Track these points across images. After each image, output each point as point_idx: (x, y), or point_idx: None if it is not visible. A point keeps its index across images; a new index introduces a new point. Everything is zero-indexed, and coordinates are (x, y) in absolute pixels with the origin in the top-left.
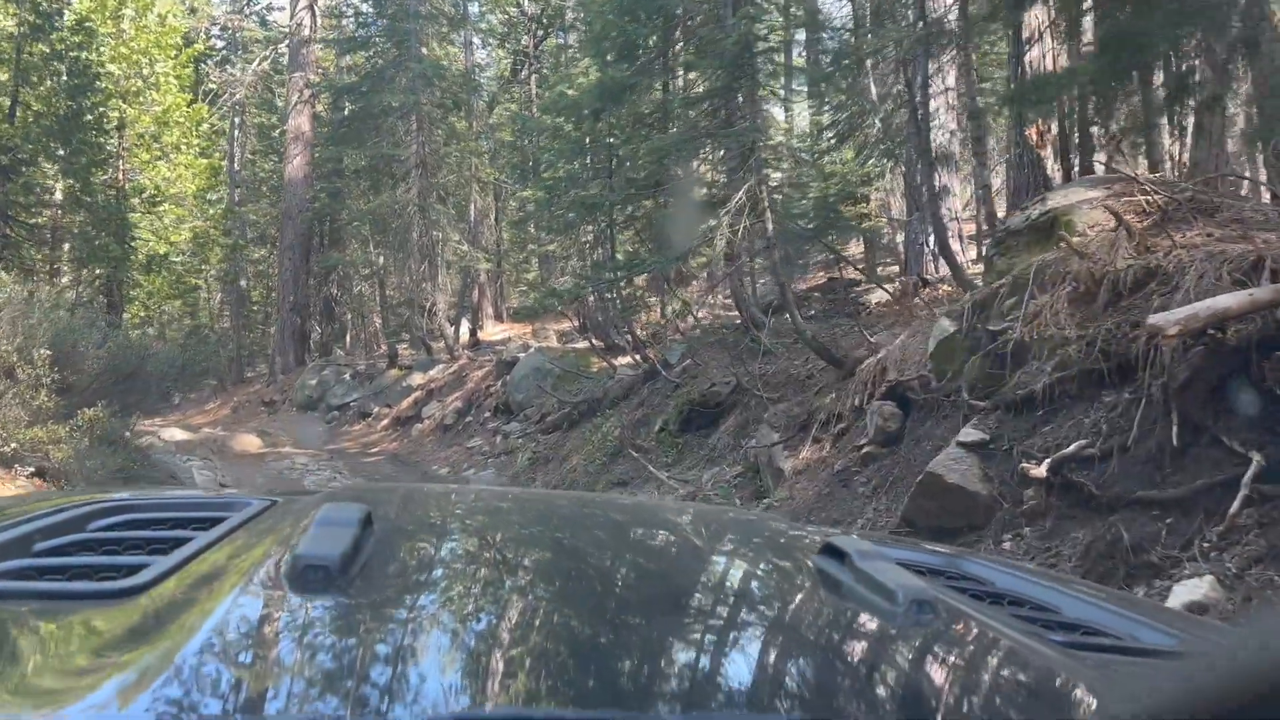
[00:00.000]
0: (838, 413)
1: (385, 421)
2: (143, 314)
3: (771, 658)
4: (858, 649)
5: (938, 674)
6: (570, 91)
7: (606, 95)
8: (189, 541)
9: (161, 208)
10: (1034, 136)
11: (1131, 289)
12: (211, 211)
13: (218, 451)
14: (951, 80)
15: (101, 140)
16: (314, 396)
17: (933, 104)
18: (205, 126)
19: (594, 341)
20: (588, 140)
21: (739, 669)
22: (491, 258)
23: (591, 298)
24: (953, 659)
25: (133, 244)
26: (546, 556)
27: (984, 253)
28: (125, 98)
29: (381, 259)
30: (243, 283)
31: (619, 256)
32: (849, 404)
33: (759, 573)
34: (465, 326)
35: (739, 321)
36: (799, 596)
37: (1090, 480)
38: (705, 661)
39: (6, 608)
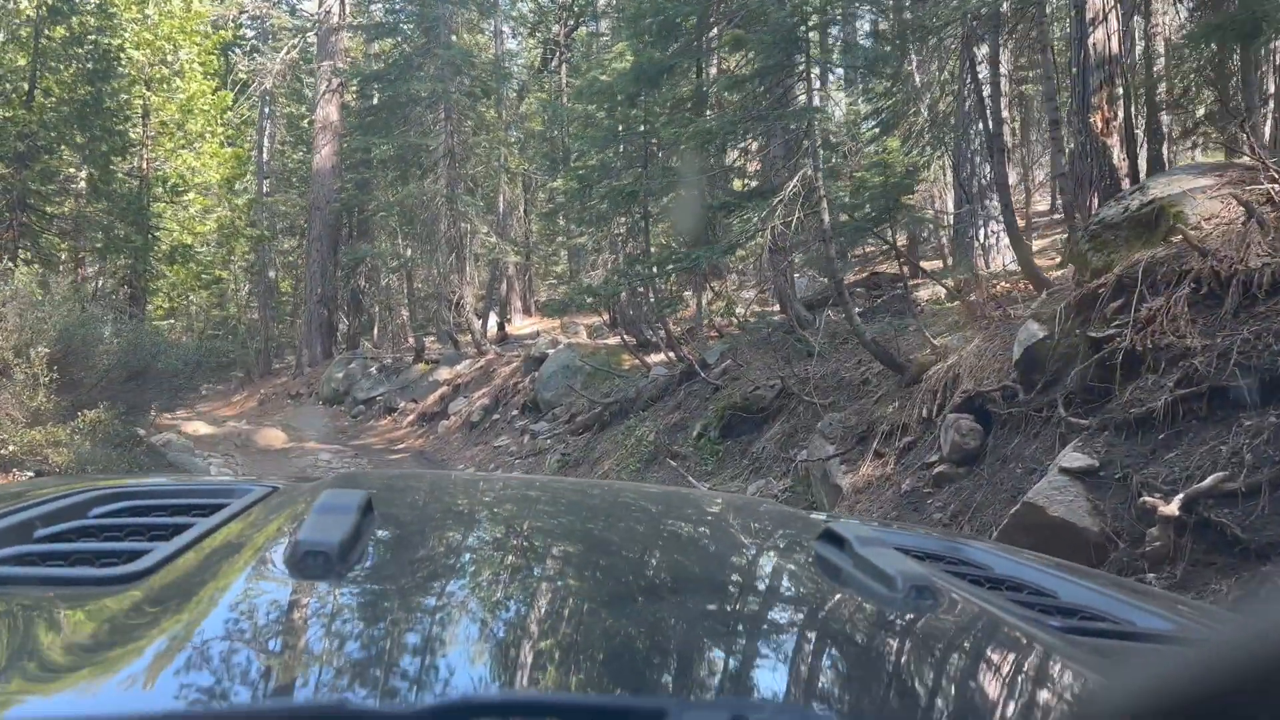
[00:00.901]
0: (902, 424)
1: (411, 417)
2: (167, 305)
3: (770, 643)
4: (857, 634)
5: (936, 659)
6: (604, 76)
7: (644, 79)
8: (190, 528)
9: (186, 197)
10: (1099, 124)
11: (1269, 291)
12: (238, 201)
13: (241, 447)
14: (1004, 65)
15: (122, 128)
16: (340, 390)
17: (986, 90)
18: (231, 115)
19: (625, 338)
20: (620, 128)
21: (737, 654)
22: (520, 250)
23: (624, 293)
24: (951, 644)
25: (155, 234)
26: (543, 540)
27: (1073, 247)
28: (149, 84)
29: (409, 251)
30: (271, 274)
31: (653, 250)
32: (916, 415)
33: (758, 558)
34: (493, 320)
35: (780, 318)
36: (798, 582)
37: (1234, 521)
38: (702, 647)
39: (8, 593)
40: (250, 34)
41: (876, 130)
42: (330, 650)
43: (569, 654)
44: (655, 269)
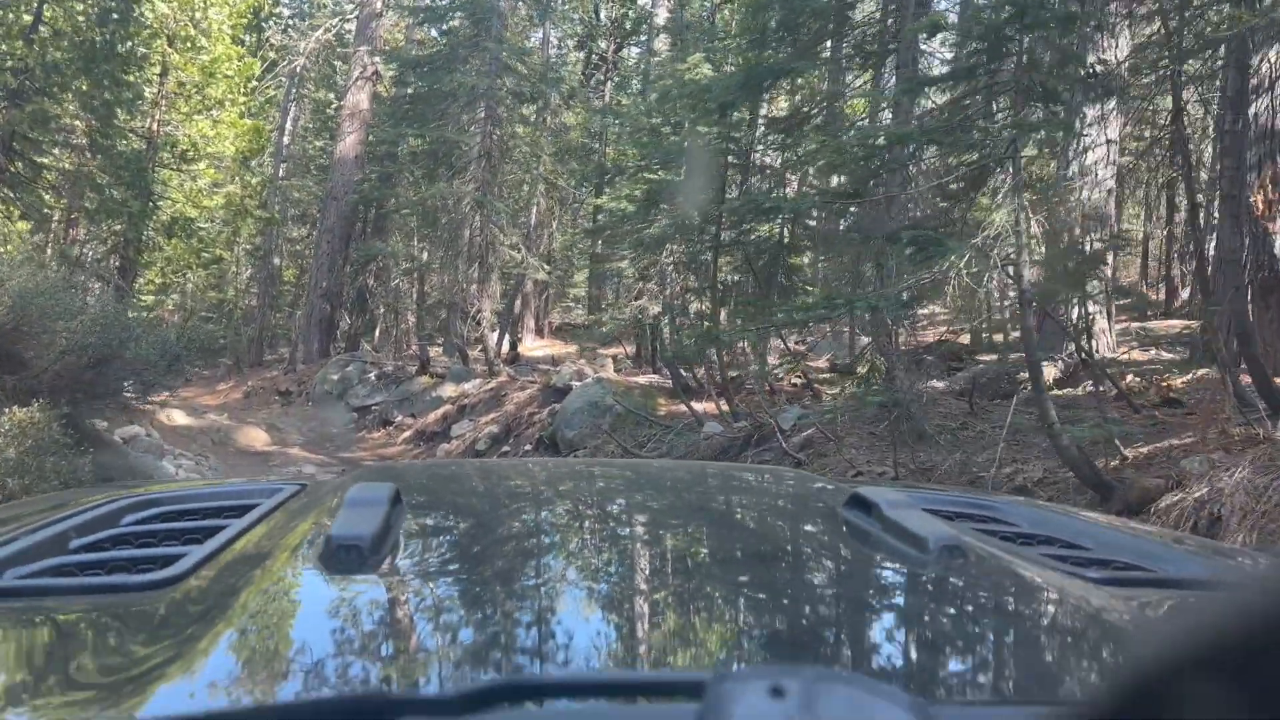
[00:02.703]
0: None
1: (408, 434)
2: (159, 281)
3: (805, 611)
4: (892, 598)
5: (973, 617)
6: (703, 73)
7: (752, 83)
8: (222, 530)
9: (195, 167)
10: (1259, 205)
11: None
12: (250, 179)
13: (218, 445)
14: (1113, 131)
15: (133, 79)
16: (333, 393)
17: (1089, 157)
18: (256, 87)
19: (658, 376)
20: (699, 143)
21: (772, 623)
22: (549, 268)
23: (665, 329)
24: (987, 602)
25: (156, 202)
26: (570, 520)
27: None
28: (172, 41)
29: (425, 254)
30: (276, 261)
31: (721, 286)
32: None
33: (788, 526)
34: (505, 339)
35: (874, 383)
36: (831, 548)
37: None
38: (738, 617)
39: (50, 605)
40: (287, 12)
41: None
42: (370, 641)
43: (607, 631)
44: (796, 315)
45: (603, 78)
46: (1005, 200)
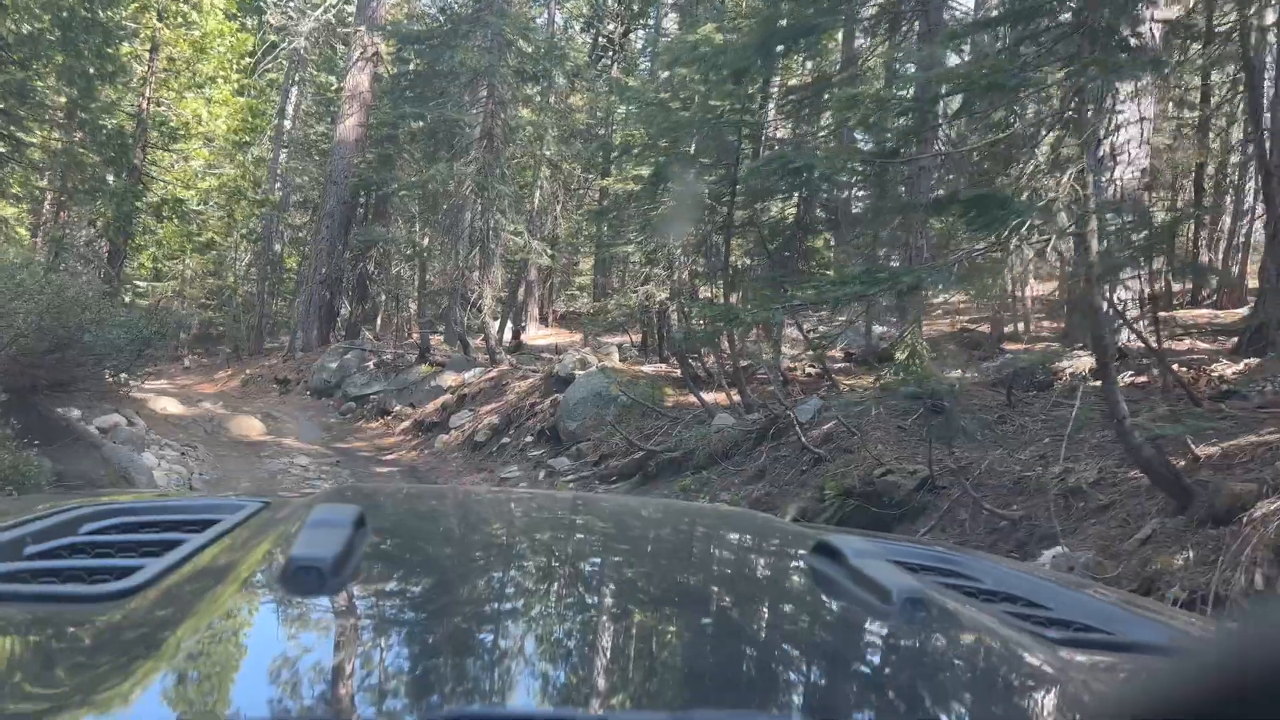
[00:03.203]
0: (1213, 593)
1: (406, 424)
2: (151, 266)
3: (765, 656)
4: (853, 647)
5: (932, 672)
6: (714, 36)
7: (769, 45)
8: (181, 544)
9: (187, 145)
10: None
11: None
12: (242, 158)
13: (210, 435)
14: (1147, 108)
15: (114, 51)
16: (331, 382)
17: (1121, 135)
18: (250, 62)
19: (665, 365)
20: (701, 116)
21: (731, 667)
22: (553, 253)
23: (673, 316)
24: (947, 657)
25: (144, 182)
26: (536, 556)
27: None
28: (162, 16)
29: (427, 239)
30: (278, 247)
31: (734, 265)
32: (1239, 581)
33: (752, 570)
34: (507, 328)
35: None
36: (794, 595)
37: None
38: (696, 659)
39: (0, 611)
40: None
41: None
42: (323, 666)
43: (563, 669)
44: (829, 291)
45: (609, 61)
46: (1071, 160)
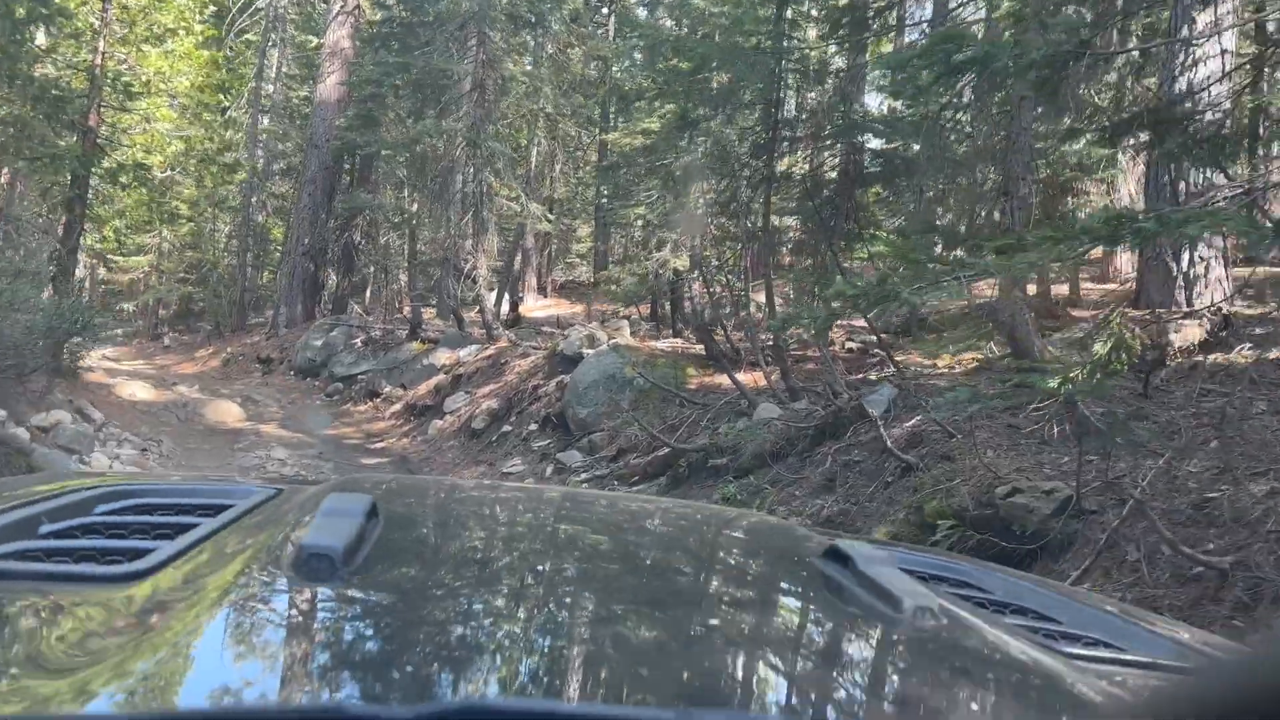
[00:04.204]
0: None
1: (397, 407)
2: (114, 241)
3: (772, 662)
4: (861, 653)
5: (940, 681)
6: None
7: None
8: (194, 527)
9: (147, 104)
10: None
11: None
12: (209, 118)
13: (183, 423)
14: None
15: None
16: (316, 361)
17: (1199, 71)
18: (213, 10)
19: (680, 341)
20: (731, 46)
21: (739, 669)
22: (553, 218)
23: (697, 285)
24: (955, 667)
25: (99, 146)
26: (549, 550)
27: None
28: None
29: (416, 206)
30: (260, 218)
31: (774, 224)
32: None
33: (762, 573)
34: (505, 299)
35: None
36: (803, 598)
37: None
38: (704, 660)
39: (11, 589)
40: None
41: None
42: (332, 653)
43: (573, 664)
44: (1068, 240)
45: (609, 11)
46: None
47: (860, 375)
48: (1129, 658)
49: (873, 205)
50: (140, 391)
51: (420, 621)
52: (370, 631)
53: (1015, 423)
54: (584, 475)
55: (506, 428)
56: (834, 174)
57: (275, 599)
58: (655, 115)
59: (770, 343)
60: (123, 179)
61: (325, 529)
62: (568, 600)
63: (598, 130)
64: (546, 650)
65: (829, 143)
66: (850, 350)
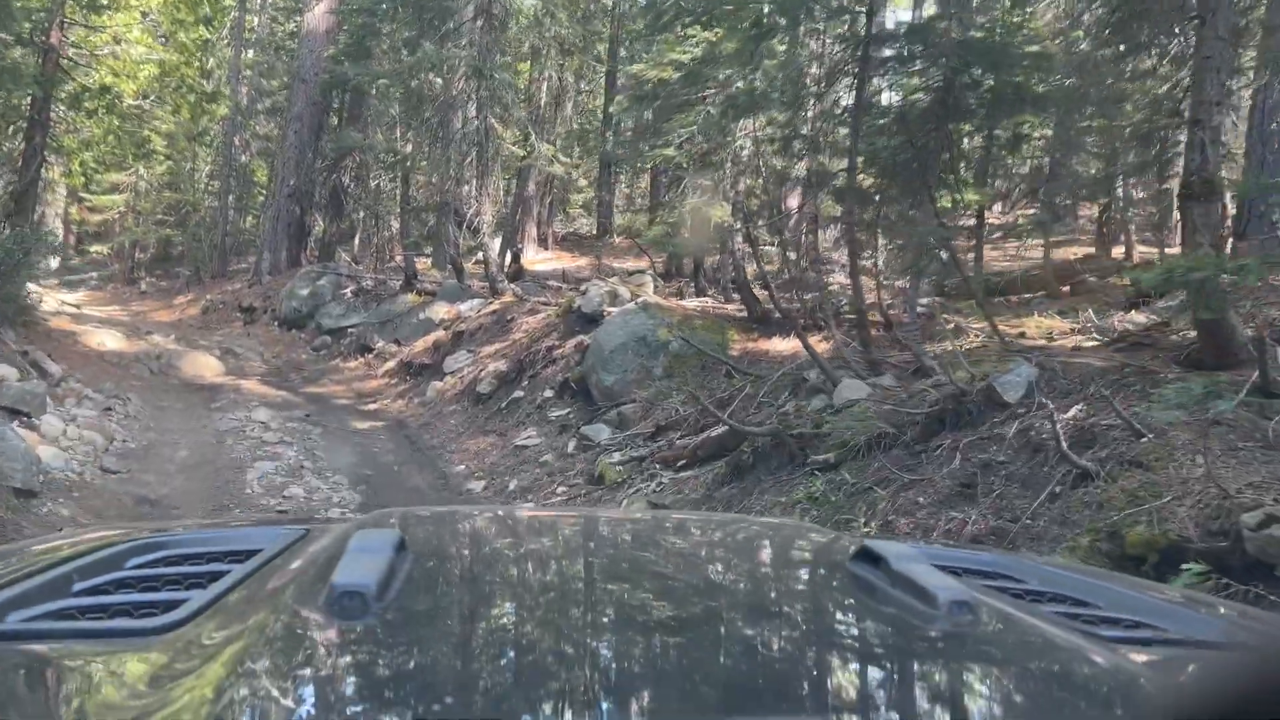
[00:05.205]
0: None
1: (391, 365)
2: (80, 174)
3: (811, 664)
4: (900, 653)
5: (984, 676)
6: None
7: None
8: (225, 575)
9: (117, 19)
10: None
11: None
12: (184, 37)
13: (156, 375)
14: None
15: None
16: (302, 311)
17: None
18: None
19: (709, 300)
20: None
21: (777, 676)
22: (565, 159)
23: (738, 238)
24: (997, 659)
25: (61, 67)
26: (579, 572)
27: None
28: None
29: (410, 147)
30: (244, 158)
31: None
32: None
33: (796, 579)
34: (507, 251)
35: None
36: (838, 602)
37: None
38: (743, 669)
39: (50, 648)
40: None
41: None
42: (371, 688)
43: (610, 685)
44: None
45: None
46: None
47: (934, 346)
48: (1171, 638)
49: (968, 147)
50: (110, 341)
51: (458, 652)
52: (410, 665)
53: (1231, 422)
54: (617, 455)
55: (518, 393)
56: (924, 106)
57: (311, 639)
58: (690, 43)
59: (843, 308)
60: (87, 103)
61: (356, 567)
62: (603, 622)
63: (604, 69)
64: (584, 673)
65: (924, 66)
66: (919, 316)
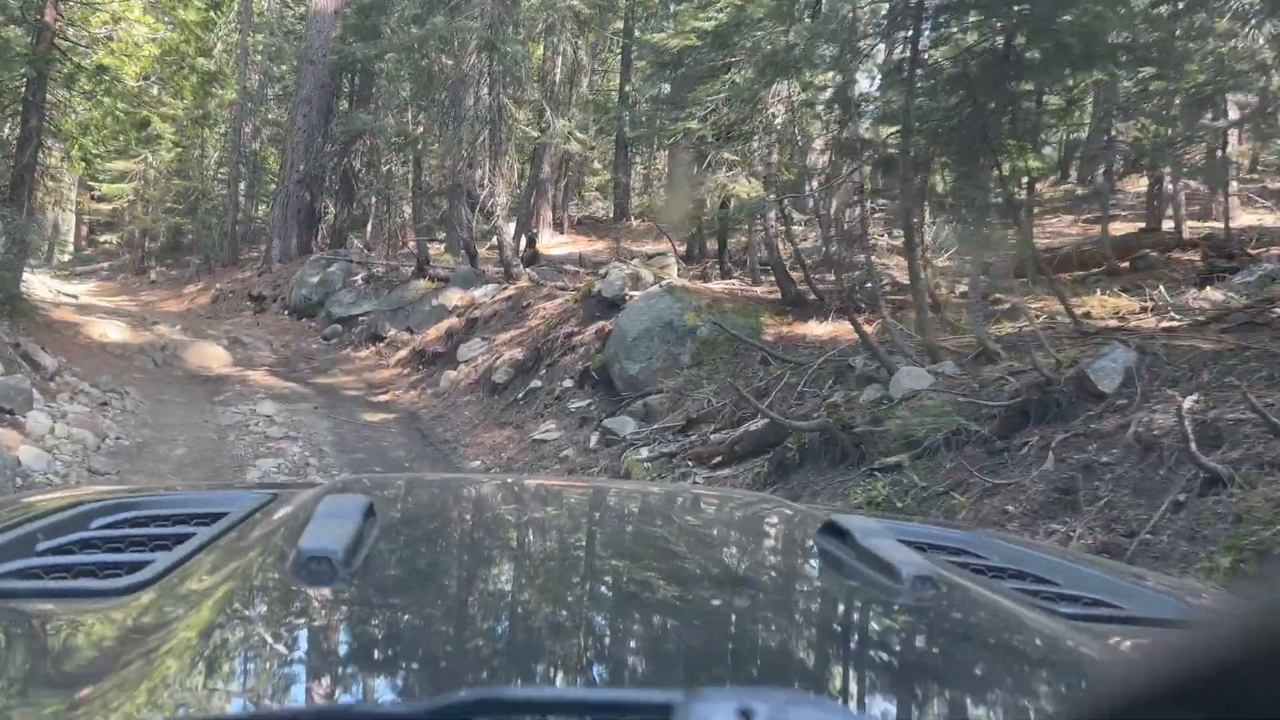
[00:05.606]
0: None
1: (403, 353)
2: (80, 160)
3: (777, 635)
4: (863, 625)
5: (942, 648)
6: None
7: None
8: (191, 537)
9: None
10: None
11: None
12: (183, 14)
13: (160, 367)
14: None
15: None
16: (312, 299)
17: None
18: None
19: (735, 284)
20: None
21: (743, 647)
22: (582, 137)
23: (771, 217)
24: (956, 633)
25: (56, 47)
26: (545, 541)
27: None
28: None
29: (421, 129)
30: (255, 145)
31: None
32: None
33: (762, 551)
34: (522, 235)
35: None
36: (803, 574)
37: None
38: (708, 640)
39: (13, 608)
40: None
41: None
42: (336, 654)
43: (575, 651)
44: None
45: None
46: None
47: (991, 328)
48: (1129, 615)
49: (1031, 107)
50: (113, 332)
51: (424, 618)
52: (375, 631)
53: None
54: (644, 451)
55: (535, 383)
56: (988, 61)
57: (277, 604)
58: (715, 8)
59: (859, 287)
60: (84, 84)
61: (323, 532)
62: (568, 589)
63: (619, 46)
64: (549, 640)
65: (979, 19)
66: (963, 296)
